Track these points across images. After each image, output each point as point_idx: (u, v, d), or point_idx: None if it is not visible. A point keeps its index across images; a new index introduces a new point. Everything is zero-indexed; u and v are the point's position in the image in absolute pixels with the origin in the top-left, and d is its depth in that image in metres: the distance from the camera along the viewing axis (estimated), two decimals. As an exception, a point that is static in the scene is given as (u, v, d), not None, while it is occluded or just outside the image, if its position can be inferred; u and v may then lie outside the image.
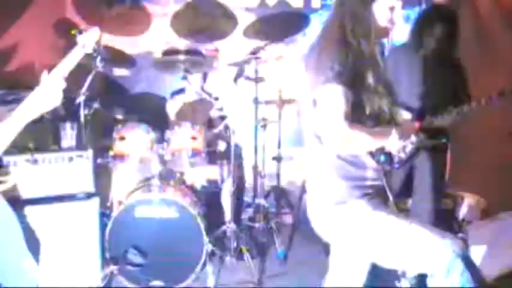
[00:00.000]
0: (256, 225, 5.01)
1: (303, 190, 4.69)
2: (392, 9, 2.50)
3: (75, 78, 2.95)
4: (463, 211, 4.93)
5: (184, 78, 4.62)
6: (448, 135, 3.83)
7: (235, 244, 4.55)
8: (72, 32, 2.95)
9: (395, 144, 2.46)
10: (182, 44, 4.96)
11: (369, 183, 2.55)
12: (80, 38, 2.93)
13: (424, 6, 6.13)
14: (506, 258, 2.97)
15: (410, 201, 4.14)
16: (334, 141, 2.36)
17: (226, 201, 4.79)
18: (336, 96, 2.32)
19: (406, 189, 3.99)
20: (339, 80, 2.32)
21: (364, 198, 2.51)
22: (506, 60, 4.94)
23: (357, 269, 2.73)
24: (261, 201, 5.08)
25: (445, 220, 4.46)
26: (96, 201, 3.92)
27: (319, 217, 2.62)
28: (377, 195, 2.56)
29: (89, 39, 2.94)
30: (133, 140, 4.34)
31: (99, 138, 4.52)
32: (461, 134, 5.14)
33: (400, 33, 5.39)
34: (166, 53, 4.89)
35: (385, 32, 2.54)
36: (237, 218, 4.84)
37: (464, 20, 5.16)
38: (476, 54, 5.04)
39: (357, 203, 2.50)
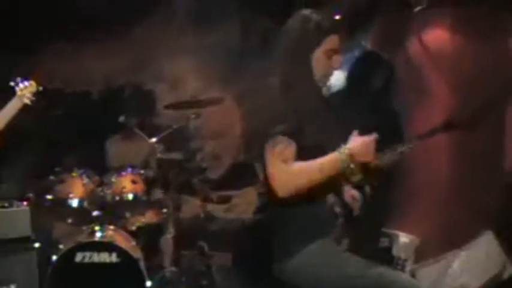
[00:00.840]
0: (197, 268, 4.98)
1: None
2: (331, 56, 2.56)
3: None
4: (398, 249, 5.07)
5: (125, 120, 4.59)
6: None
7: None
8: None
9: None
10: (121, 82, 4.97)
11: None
12: (18, 90, 2.99)
13: (357, 52, 6.41)
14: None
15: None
16: (279, 181, 2.38)
17: (166, 245, 4.74)
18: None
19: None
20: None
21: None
22: (438, 102, 5.18)
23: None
24: (200, 243, 5.05)
25: (381, 257, 4.58)
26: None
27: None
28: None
29: (26, 90, 3.00)
30: (72, 183, 4.27)
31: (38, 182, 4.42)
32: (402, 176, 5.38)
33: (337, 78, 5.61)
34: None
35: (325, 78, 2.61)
36: (177, 262, 4.79)
37: (399, 65, 5.45)
38: (411, 97, 5.27)
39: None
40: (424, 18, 5.13)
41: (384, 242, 5.10)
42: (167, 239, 4.69)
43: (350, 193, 2.74)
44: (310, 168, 2.39)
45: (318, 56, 2.52)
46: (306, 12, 2.56)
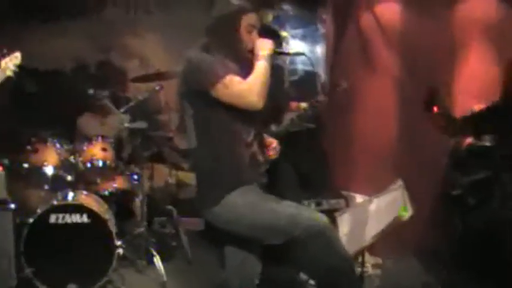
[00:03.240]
0: (166, 230, 5.33)
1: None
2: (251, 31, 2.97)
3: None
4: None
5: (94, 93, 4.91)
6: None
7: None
8: None
9: None
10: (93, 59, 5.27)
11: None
12: (2, 62, 3.19)
13: (319, 24, 6.76)
14: (361, 238, 3.48)
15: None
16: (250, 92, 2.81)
17: (138, 208, 5.10)
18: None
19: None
20: None
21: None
22: (386, 71, 5.52)
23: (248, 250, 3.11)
24: (169, 207, 5.40)
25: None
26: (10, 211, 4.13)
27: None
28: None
29: (10, 63, 3.20)
30: (47, 152, 4.61)
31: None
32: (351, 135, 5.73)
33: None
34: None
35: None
36: (148, 224, 5.15)
37: (350, 36, 5.79)
38: (360, 66, 5.62)
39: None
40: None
41: (340, 202, 5.48)
42: (137, 203, 5.06)
43: (267, 140, 3.12)
44: (258, 72, 2.87)
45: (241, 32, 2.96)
46: None
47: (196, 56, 2.90)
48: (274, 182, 3.48)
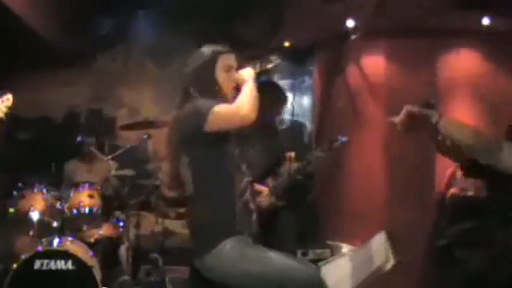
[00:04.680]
0: (152, 279, 5.32)
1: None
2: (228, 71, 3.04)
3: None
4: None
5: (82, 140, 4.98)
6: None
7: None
8: None
9: None
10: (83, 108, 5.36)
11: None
12: None
13: (306, 76, 6.92)
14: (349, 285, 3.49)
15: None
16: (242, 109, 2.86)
17: (123, 255, 5.10)
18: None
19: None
20: None
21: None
22: (373, 125, 5.63)
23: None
24: (154, 256, 5.41)
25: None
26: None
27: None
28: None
29: (2, 105, 3.26)
30: (33, 197, 4.64)
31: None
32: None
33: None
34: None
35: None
36: (133, 272, 5.14)
37: (337, 89, 5.92)
38: (348, 120, 5.73)
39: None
40: (360, 47, 5.63)
41: (326, 252, 5.50)
42: (123, 251, 5.06)
43: (258, 188, 3.16)
44: (246, 90, 2.93)
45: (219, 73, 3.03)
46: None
47: (186, 107, 2.97)
48: (273, 231, 3.52)
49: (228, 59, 3.05)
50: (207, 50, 3.05)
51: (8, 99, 3.31)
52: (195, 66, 3.03)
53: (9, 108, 3.41)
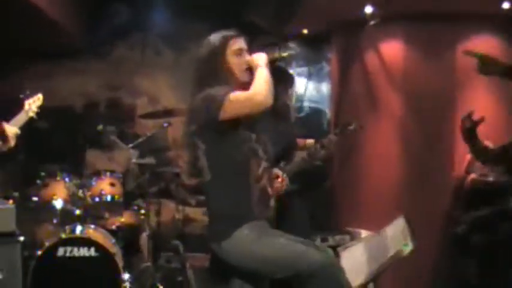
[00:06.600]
0: (172, 265, 5.38)
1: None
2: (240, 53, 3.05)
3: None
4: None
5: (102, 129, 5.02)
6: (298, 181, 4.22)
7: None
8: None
9: None
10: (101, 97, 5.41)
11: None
12: (26, 103, 3.34)
13: (324, 63, 6.91)
14: (363, 272, 3.51)
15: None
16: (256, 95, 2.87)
17: (143, 243, 5.16)
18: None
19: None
20: None
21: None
22: (390, 111, 5.62)
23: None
24: (175, 242, 5.46)
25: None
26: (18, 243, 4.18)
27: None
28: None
29: (33, 104, 3.35)
30: (56, 186, 4.71)
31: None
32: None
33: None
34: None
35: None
36: (154, 259, 5.21)
37: (355, 76, 5.90)
38: (365, 106, 5.73)
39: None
40: (378, 33, 5.60)
41: (345, 238, 5.52)
42: (144, 238, 5.12)
43: (275, 173, 3.19)
44: (259, 76, 2.93)
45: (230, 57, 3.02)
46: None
47: (200, 95, 2.99)
48: (286, 215, 3.55)
49: (239, 43, 3.06)
50: (216, 36, 3.05)
51: (39, 98, 3.42)
52: (205, 53, 3.03)
53: (39, 107, 3.56)
